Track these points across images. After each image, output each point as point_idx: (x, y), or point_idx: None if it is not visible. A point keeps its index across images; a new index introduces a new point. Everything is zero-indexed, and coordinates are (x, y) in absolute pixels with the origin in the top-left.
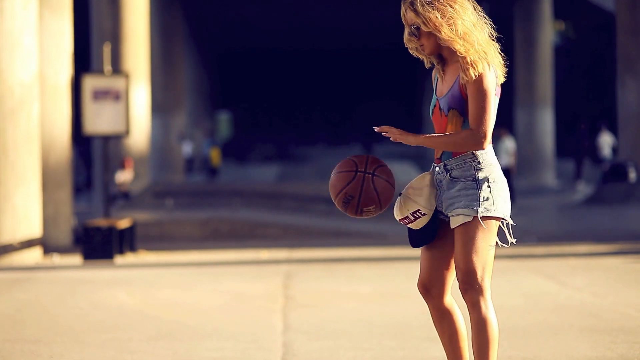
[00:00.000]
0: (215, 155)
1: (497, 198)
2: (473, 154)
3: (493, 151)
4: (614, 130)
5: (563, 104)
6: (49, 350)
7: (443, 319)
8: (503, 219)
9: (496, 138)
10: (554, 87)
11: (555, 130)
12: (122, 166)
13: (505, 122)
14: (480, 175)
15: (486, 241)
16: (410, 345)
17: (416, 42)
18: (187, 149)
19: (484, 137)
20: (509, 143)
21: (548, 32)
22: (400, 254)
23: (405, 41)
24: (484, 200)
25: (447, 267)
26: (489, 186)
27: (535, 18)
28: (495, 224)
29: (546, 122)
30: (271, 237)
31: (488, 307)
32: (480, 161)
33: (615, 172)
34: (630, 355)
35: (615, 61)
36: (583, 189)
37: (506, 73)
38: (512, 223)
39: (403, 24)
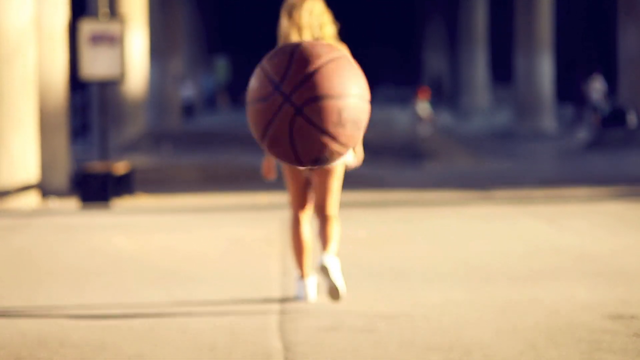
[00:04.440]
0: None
1: None
2: None
3: None
4: (613, 74)
5: (563, 48)
6: (47, 295)
7: None
8: None
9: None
10: (553, 32)
11: (556, 75)
12: (416, 96)
13: (504, 67)
14: None
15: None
16: (408, 289)
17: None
18: (187, 93)
19: None
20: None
21: None
22: (397, 199)
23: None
24: None
25: None
26: None
27: None
28: None
29: (545, 67)
30: (269, 181)
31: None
32: None
33: (615, 116)
34: (629, 299)
35: (615, 4)
36: (583, 134)
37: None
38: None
39: None
